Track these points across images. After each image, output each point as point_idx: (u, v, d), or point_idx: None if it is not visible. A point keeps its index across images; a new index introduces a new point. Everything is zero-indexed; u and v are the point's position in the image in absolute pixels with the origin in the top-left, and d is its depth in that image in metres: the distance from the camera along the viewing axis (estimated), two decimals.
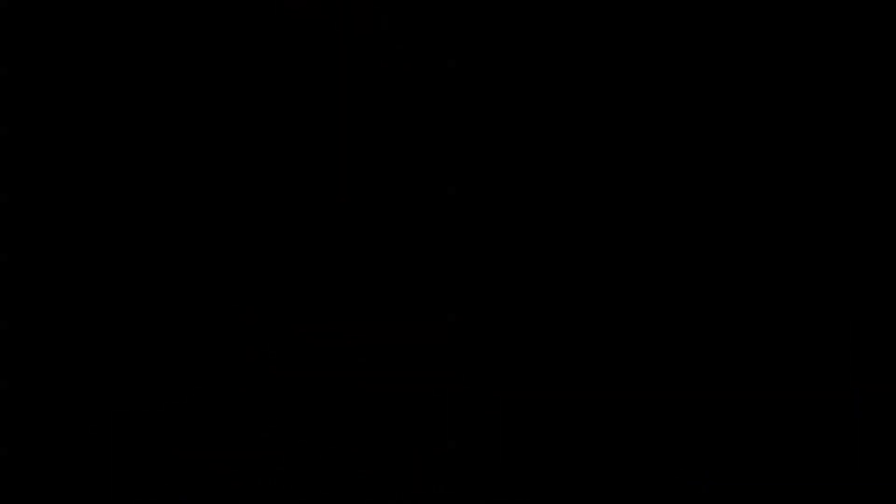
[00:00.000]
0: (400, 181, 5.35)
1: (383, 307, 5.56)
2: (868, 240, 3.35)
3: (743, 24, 3.49)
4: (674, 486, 4.07)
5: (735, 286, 3.55)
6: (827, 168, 3.41)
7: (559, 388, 4.05)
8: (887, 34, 3.29)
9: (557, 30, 3.69)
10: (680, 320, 3.60)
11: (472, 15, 3.76)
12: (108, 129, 5.09)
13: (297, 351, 5.98)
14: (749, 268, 3.62)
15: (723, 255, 3.64)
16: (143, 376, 5.09)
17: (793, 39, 3.41)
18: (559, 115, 3.69)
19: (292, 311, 5.67)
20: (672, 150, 3.63)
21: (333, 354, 5.55)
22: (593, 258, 3.67)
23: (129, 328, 4.92)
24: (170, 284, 5.39)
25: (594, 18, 3.53)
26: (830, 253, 3.36)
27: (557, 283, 3.70)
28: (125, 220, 5.28)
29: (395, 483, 5.54)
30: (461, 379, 5.08)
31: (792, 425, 3.60)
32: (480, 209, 3.83)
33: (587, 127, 3.65)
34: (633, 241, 3.60)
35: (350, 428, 5.35)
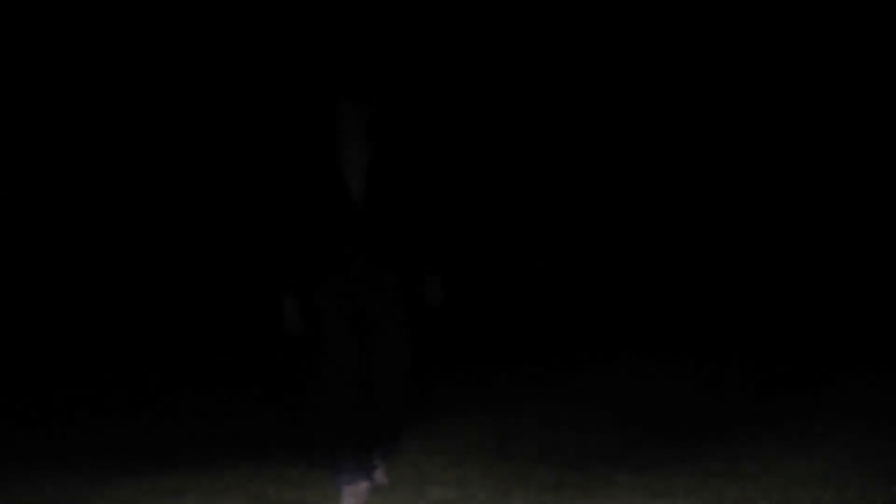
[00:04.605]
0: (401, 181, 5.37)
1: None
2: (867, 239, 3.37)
3: (743, 25, 3.51)
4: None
5: (734, 287, 3.58)
6: (827, 168, 3.43)
7: (556, 377, 4.07)
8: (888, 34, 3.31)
9: (558, 30, 3.71)
10: (678, 316, 3.62)
11: (472, 15, 3.78)
12: (107, 129, 5.11)
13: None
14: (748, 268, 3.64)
15: (722, 255, 3.67)
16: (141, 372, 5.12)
17: (792, 40, 3.43)
18: (558, 115, 3.71)
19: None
20: (673, 150, 3.65)
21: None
22: (595, 256, 3.69)
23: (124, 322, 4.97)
24: (166, 283, 5.43)
25: (594, 19, 3.55)
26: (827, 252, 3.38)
27: (558, 282, 3.72)
28: (120, 218, 5.31)
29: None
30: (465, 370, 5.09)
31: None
32: (482, 208, 3.86)
33: (587, 127, 3.67)
34: (635, 239, 3.63)
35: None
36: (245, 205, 13.62)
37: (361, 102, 5.22)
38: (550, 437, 7.06)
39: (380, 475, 5.63)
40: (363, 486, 5.36)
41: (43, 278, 15.67)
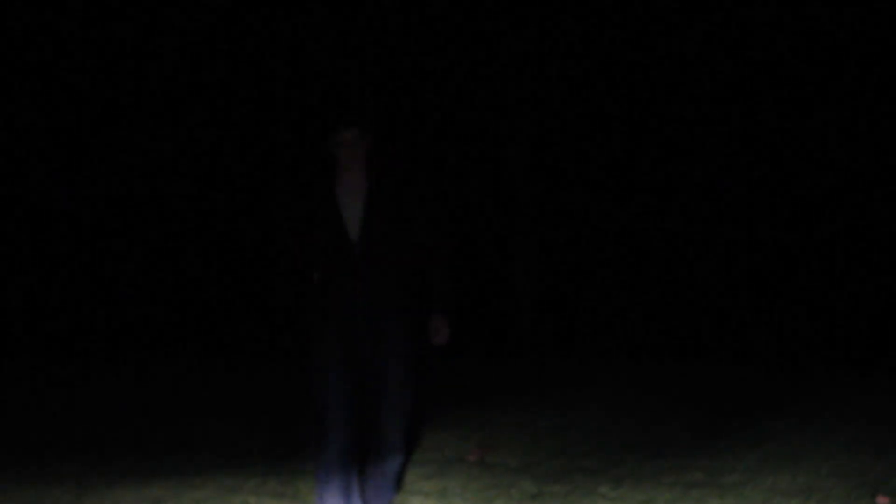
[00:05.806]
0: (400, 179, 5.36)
1: None
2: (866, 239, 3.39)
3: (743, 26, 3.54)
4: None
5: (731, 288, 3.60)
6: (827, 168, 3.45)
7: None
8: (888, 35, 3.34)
9: (558, 31, 3.73)
10: (662, 326, 3.64)
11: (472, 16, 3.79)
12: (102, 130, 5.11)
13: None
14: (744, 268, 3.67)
15: (712, 267, 3.69)
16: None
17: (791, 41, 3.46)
18: (558, 115, 3.73)
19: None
20: (674, 150, 3.67)
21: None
22: (581, 265, 3.71)
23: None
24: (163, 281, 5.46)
25: (594, 21, 3.57)
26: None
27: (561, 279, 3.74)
28: (120, 226, 5.31)
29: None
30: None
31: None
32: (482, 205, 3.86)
33: (588, 127, 3.69)
34: (622, 246, 3.64)
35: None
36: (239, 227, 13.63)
37: (360, 130, 5.10)
38: (532, 448, 7.06)
39: None
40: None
41: (37, 278, 15.56)
